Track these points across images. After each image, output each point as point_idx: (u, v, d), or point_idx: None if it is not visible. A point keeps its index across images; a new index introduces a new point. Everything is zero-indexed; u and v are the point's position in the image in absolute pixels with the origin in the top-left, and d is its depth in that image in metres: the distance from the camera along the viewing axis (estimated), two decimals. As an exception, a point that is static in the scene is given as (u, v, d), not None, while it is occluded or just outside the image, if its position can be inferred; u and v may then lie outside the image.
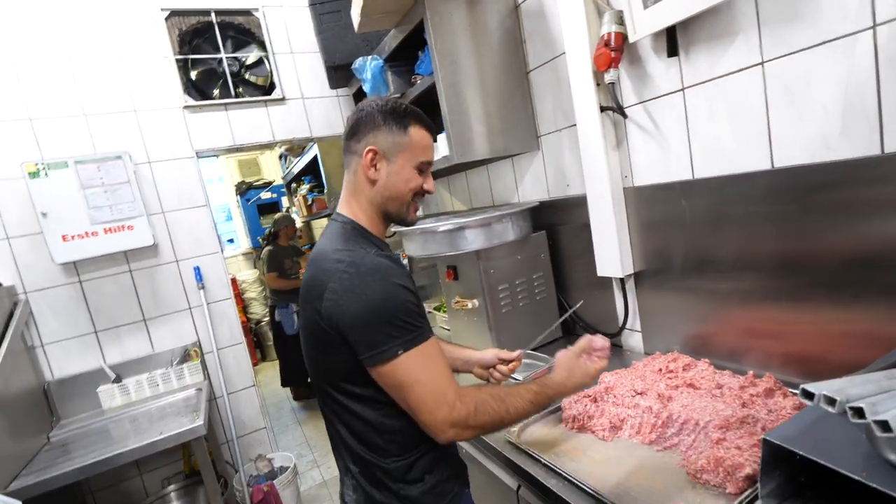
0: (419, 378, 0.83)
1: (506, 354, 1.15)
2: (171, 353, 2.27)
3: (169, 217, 2.28)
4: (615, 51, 1.21)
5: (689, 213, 1.20)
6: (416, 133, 0.95)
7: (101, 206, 2.03)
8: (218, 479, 2.16)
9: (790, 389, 1.00)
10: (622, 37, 1.21)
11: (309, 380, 1.08)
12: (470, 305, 1.63)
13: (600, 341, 1.04)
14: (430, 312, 2.40)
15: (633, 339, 1.49)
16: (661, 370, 1.17)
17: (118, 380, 2.12)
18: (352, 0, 1.72)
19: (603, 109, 1.33)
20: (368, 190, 0.95)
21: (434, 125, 0.99)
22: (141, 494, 2.28)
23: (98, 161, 2.04)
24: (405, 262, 3.02)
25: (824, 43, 0.89)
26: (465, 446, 1.32)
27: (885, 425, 0.48)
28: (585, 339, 1.05)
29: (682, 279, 1.27)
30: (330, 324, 0.84)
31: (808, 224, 0.97)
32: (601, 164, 1.35)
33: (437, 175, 2.27)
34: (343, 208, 0.99)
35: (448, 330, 1.95)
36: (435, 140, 1.00)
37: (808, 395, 0.55)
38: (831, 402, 0.53)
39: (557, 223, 1.68)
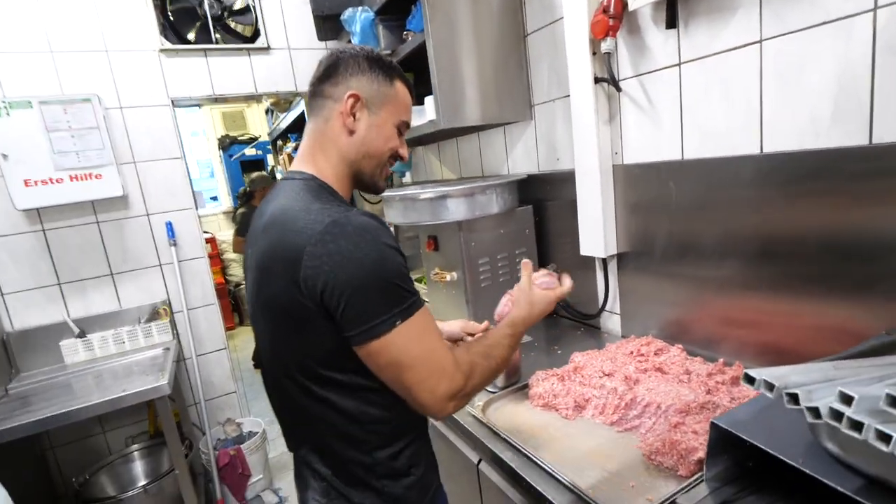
0: (418, 353, 0.77)
1: (472, 327, 1.15)
2: (138, 311, 2.29)
3: (140, 168, 2.26)
4: (614, 18, 1.20)
5: (675, 194, 1.22)
6: (402, 89, 0.92)
7: (67, 152, 2.01)
8: (183, 441, 2.22)
9: (756, 379, 1.04)
10: (622, 4, 1.20)
11: (261, 370, 0.95)
12: (449, 278, 1.65)
13: (542, 278, 1.05)
14: (411, 284, 2.43)
15: (612, 322, 1.53)
16: (632, 353, 1.21)
17: (82, 335, 2.15)
18: (342, -57, 1.67)
19: (597, 81, 1.32)
20: (343, 141, 0.88)
21: (411, 83, 0.96)
22: (104, 452, 2.34)
23: (65, 103, 2.00)
24: (392, 230, 3.04)
25: (824, 24, 0.89)
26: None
27: (815, 412, 0.51)
28: (527, 271, 1.03)
29: (664, 263, 1.29)
30: (311, 295, 0.74)
31: (790, 213, 0.99)
32: (592, 138, 1.36)
33: (426, 140, 2.27)
34: (304, 164, 0.89)
35: (427, 302, 1.99)
36: (415, 103, 0.99)
37: (750, 380, 0.58)
38: (770, 387, 0.56)
39: (545, 198, 1.69)
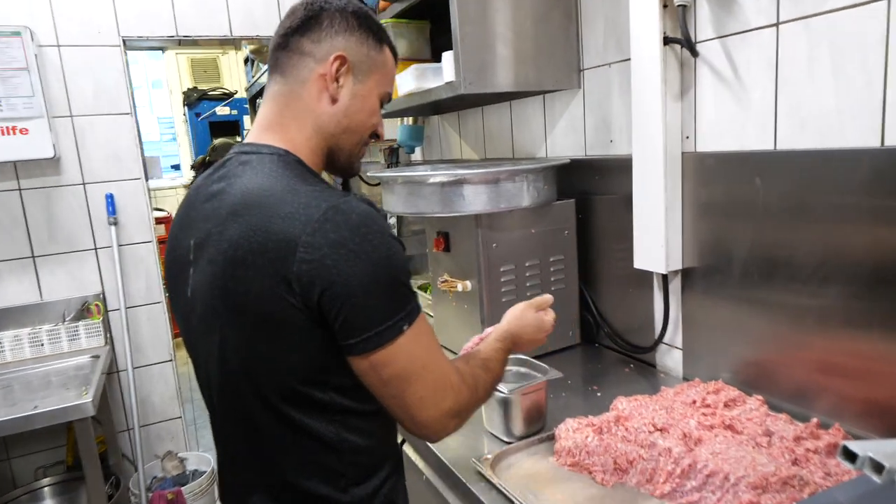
0: (425, 362, 0.83)
1: None
2: (64, 305, 2.32)
3: (78, 123, 2.30)
4: (695, -42, 1.17)
5: (763, 195, 1.19)
6: (390, 56, 0.99)
7: (-14, 97, 2.05)
8: (107, 478, 2.24)
9: (861, 448, 1.01)
10: (708, -62, 1.17)
11: (210, 396, 0.97)
12: (461, 287, 1.64)
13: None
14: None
15: (671, 358, 1.49)
16: (695, 402, 1.17)
17: (-8, 331, 2.19)
18: None
19: (667, 41, 1.30)
20: (323, 111, 0.92)
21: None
22: (7, 484, 2.36)
23: (-13, 35, 2.04)
24: (392, 221, 3.04)
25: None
26: (422, 470, 1.35)
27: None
28: (543, 298, 1.20)
29: (744, 285, 1.26)
30: (305, 294, 0.75)
31: (920, 229, 0.96)
32: (657, 116, 1.33)
33: (443, 108, 2.26)
34: (271, 134, 0.91)
35: (431, 317, 1.98)
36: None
37: (850, 456, 0.56)
38: (878, 468, 0.53)
39: (593, 191, 1.67)
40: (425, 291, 2.16)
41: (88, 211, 2.35)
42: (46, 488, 2.38)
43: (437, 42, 2.01)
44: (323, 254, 0.74)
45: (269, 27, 2.57)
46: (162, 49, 5.45)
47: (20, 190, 2.24)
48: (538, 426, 1.24)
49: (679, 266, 1.39)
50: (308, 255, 0.74)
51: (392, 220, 2.95)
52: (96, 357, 2.21)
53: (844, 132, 1.04)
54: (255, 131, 0.94)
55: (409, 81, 1.83)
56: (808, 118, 1.10)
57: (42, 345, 2.24)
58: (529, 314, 1.14)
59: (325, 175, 1.00)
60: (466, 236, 1.60)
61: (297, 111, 0.91)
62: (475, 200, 1.52)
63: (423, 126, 2.67)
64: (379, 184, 2.67)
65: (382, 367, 0.79)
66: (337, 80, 0.91)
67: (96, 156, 2.33)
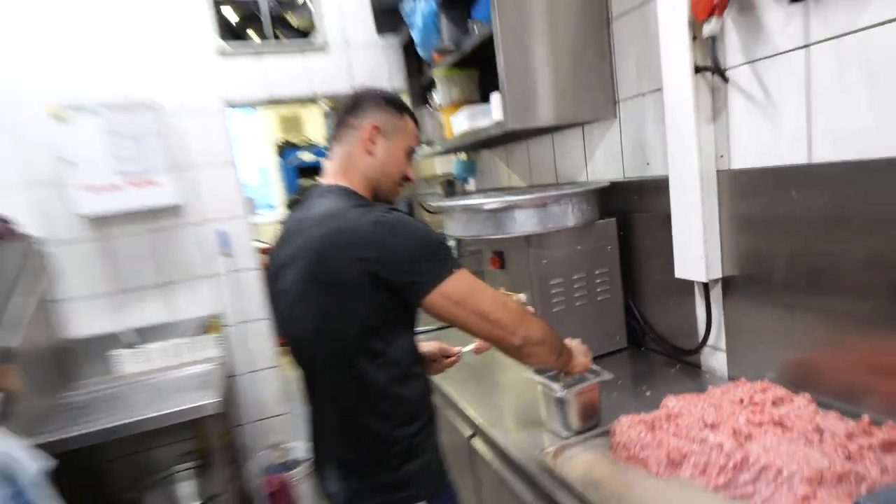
0: (481, 286, 1.03)
1: (446, 349, 1.35)
2: (190, 323, 2.42)
3: (194, 174, 2.41)
4: (721, -6, 1.09)
5: (801, 207, 1.08)
6: (410, 122, 1.19)
7: (126, 158, 2.17)
8: (232, 463, 2.30)
9: (918, 447, 0.89)
10: (732, -24, 1.09)
11: (305, 358, 1.15)
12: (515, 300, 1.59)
13: None
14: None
15: (716, 360, 1.39)
16: (742, 401, 1.07)
17: (135, 345, 2.30)
18: (404, -70, 1.68)
19: (698, 70, 1.22)
20: (364, 163, 1.13)
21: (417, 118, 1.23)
22: (153, 468, 2.47)
23: (126, 108, 2.17)
24: (452, 244, 3.02)
25: None
26: (490, 462, 1.30)
27: None
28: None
29: (786, 291, 1.15)
30: (376, 267, 0.96)
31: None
32: (690, 138, 1.25)
33: (492, 143, 2.23)
34: (338, 179, 1.13)
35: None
36: (418, 127, 1.23)
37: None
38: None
39: (632, 209, 1.59)
40: (485, 302, 2.11)
41: (205, 245, 2.45)
42: (184, 472, 2.47)
43: (486, 85, 1.99)
44: (383, 237, 0.97)
45: (344, 84, 2.62)
46: (254, 108, 5.69)
47: (153, 231, 2.36)
48: (593, 422, 1.18)
49: (719, 275, 1.29)
50: (372, 239, 0.97)
51: (452, 242, 2.94)
52: (218, 364, 2.28)
53: (883, 143, 0.94)
54: (325, 177, 1.16)
55: (462, 122, 1.81)
56: (844, 132, 1.00)
57: (175, 355, 2.34)
58: (579, 346, 1.22)
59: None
60: (519, 255, 1.55)
61: (349, 164, 1.14)
62: (525, 222, 1.47)
63: (475, 160, 2.64)
64: (439, 211, 2.67)
65: (453, 293, 0.99)
66: (373, 140, 1.12)
67: (209, 200, 2.43)
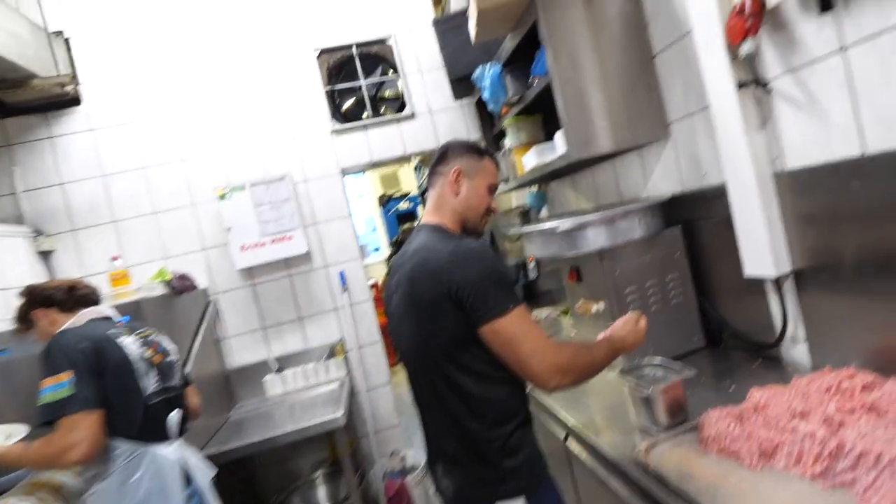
0: (528, 329, 0.99)
1: None
2: (320, 349, 2.61)
3: (319, 228, 2.65)
4: (752, 16, 1.07)
5: (864, 197, 0.99)
6: (489, 163, 1.23)
7: (269, 221, 2.46)
8: (356, 470, 2.40)
9: None
10: (759, 2, 1.06)
11: (411, 368, 1.19)
12: (595, 309, 1.56)
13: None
14: (556, 318, 2.35)
15: (797, 352, 1.27)
16: (830, 389, 0.97)
17: (280, 370, 2.52)
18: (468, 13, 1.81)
19: (741, 86, 1.18)
20: (453, 200, 1.18)
21: (497, 159, 1.30)
22: (295, 475, 2.63)
23: (267, 182, 2.48)
24: (532, 265, 3.02)
25: None
26: (585, 461, 1.27)
27: None
28: (636, 315, 1.20)
29: (861, 278, 1.04)
30: (450, 291, 0.99)
31: None
32: (742, 147, 1.19)
33: (559, 174, 2.24)
34: (432, 217, 1.20)
35: (574, 336, 1.90)
36: (498, 169, 1.28)
37: None
38: None
39: (694, 218, 1.52)
40: (566, 315, 2.08)
41: (329, 284, 2.65)
42: (319, 478, 2.60)
43: (549, 127, 2.03)
44: (457, 266, 1.01)
45: (430, 142, 2.79)
46: (363, 171, 6.16)
47: (290, 276, 2.62)
48: (681, 418, 1.11)
49: (787, 269, 1.20)
50: (449, 267, 1.01)
51: (532, 264, 2.94)
52: (342, 384, 2.43)
53: (940, 126, 0.85)
54: (424, 216, 1.23)
55: (531, 159, 1.86)
56: (893, 122, 0.92)
57: (309, 377, 2.52)
58: (631, 324, 1.19)
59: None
60: (594, 268, 1.54)
61: (440, 205, 1.20)
62: (597, 239, 1.47)
63: (545, 192, 2.66)
64: (519, 238, 2.69)
65: (500, 333, 0.98)
66: (458, 181, 1.19)
67: (330, 248, 2.65)
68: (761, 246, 1.21)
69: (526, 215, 2.91)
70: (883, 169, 0.95)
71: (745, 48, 1.10)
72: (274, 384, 2.51)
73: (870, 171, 0.97)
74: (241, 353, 2.57)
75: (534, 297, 3.01)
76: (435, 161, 1.23)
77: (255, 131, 2.60)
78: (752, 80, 1.15)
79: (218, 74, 2.58)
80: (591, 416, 1.35)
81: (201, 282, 2.49)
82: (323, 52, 2.65)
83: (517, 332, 0.98)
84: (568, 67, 1.53)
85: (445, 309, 1.01)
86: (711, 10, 1.17)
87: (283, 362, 2.57)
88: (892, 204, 0.94)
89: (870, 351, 1.06)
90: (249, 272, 2.56)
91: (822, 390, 0.99)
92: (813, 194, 1.11)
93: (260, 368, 2.55)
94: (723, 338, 1.52)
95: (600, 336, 1.20)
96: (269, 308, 2.59)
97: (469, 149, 1.22)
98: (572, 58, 1.54)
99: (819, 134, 1.07)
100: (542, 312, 2.50)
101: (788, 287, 1.23)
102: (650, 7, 1.53)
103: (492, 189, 1.23)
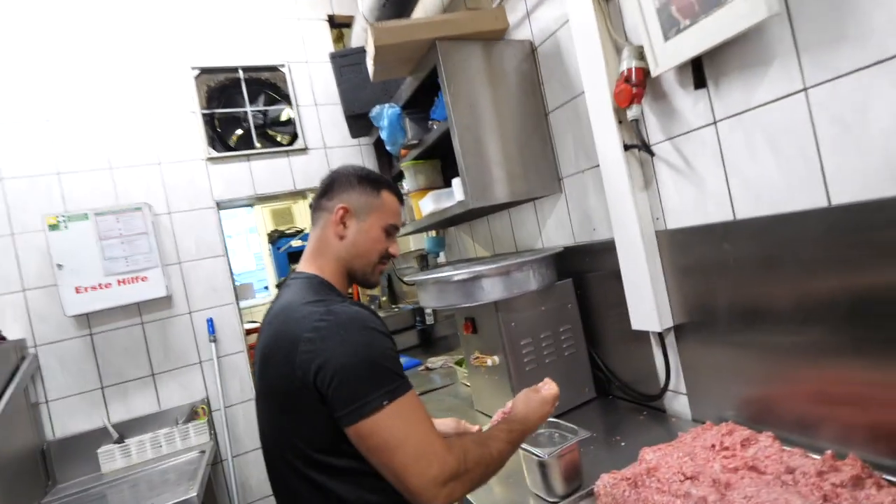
0: (406, 434, 0.76)
1: (465, 427, 1.15)
2: (177, 411, 2.20)
3: (185, 267, 2.29)
4: (637, 86, 1.14)
5: (733, 257, 1.07)
6: (388, 198, 1.04)
7: (117, 258, 2.06)
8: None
9: (884, 476, 0.82)
10: (643, 72, 1.14)
11: (268, 458, 0.95)
12: (490, 362, 1.50)
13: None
14: (451, 367, 2.26)
15: (678, 403, 1.31)
16: (714, 446, 0.99)
17: (120, 440, 2.05)
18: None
19: (627, 148, 1.24)
20: (336, 245, 0.99)
21: (400, 192, 1.11)
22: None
23: (117, 213, 2.08)
24: (429, 310, 2.93)
25: (879, 63, 0.79)
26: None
27: None
28: (540, 385, 1.06)
29: (732, 332, 1.11)
30: (306, 379, 0.78)
31: (882, 267, 0.83)
32: (628, 206, 1.25)
33: (457, 221, 2.22)
34: (306, 266, 1.00)
35: (468, 386, 1.82)
36: (402, 204, 1.10)
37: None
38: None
39: (585, 270, 1.56)
40: (461, 366, 2.01)
41: (194, 333, 2.28)
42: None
43: (447, 172, 2.01)
44: (316, 345, 0.78)
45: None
46: (251, 205, 5.68)
47: (142, 323, 2.20)
48: (577, 483, 1.06)
49: (670, 323, 1.25)
50: (306, 346, 0.79)
51: (429, 311, 2.85)
52: (202, 452, 2.05)
53: (794, 198, 0.95)
54: (300, 262, 1.02)
55: (428, 204, 1.80)
56: (759, 191, 1.01)
57: (161, 446, 2.09)
58: (532, 396, 1.01)
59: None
60: (489, 319, 1.49)
61: (320, 249, 1.01)
62: (493, 290, 1.42)
63: (443, 237, 2.63)
64: (413, 284, 2.59)
65: (367, 438, 0.76)
66: (344, 223, 0.99)
67: (198, 290, 2.30)
68: (646, 301, 1.25)
69: (424, 260, 2.84)
70: (750, 233, 1.03)
71: (632, 113, 1.17)
72: (112, 457, 2.03)
73: (739, 234, 1.05)
74: (68, 419, 2.06)
75: (430, 343, 2.92)
76: (319, 192, 1.03)
77: (106, 151, 2.21)
78: (636, 144, 1.21)
79: (61, 74, 2.17)
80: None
81: (14, 332, 1.97)
82: (203, 71, 2.39)
83: (391, 437, 0.75)
84: (466, 115, 1.52)
85: (303, 402, 0.78)
86: (601, 76, 1.23)
87: (129, 428, 2.11)
88: (759, 264, 1.02)
89: (742, 403, 1.12)
90: (87, 319, 2.10)
91: (706, 447, 1.01)
92: (690, 253, 1.18)
93: (95, 438, 2.06)
94: (611, 389, 1.55)
95: (496, 416, 1.07)
96: (111, 363, 2.13)
97: (362, 180, 1.01)
98: (471, 106, 1.54)
99: (695, 197, 1.15)
100: (437, 361, 2.41)
101: (670, 341, 1.28)
102: (545, 67, 1.60)
103: (390, 230, 1.03)
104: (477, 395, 1.68)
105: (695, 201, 1.15)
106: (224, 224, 2.42)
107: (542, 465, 1.04)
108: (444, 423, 1.15)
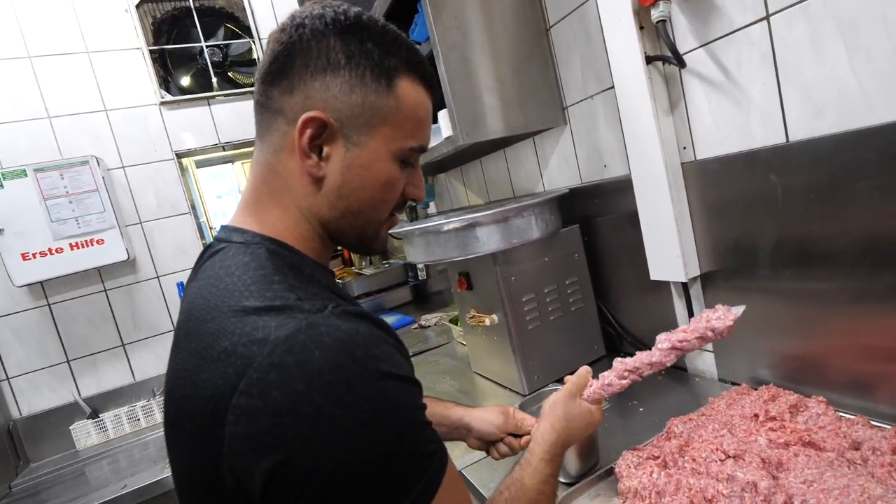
0: None
1: (517, 424, 0.82)
2: (154, 381, 2.05)
3: (147, 227, 2.07)
4: (668, -29, 0.89)
5: (781, 190, 0.88)
6: (410, 91, 0.53)
7: (66, 219, 1.83)
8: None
9: (976, 452, 0.67)
10: (677, -48, 0.89)
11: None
12: (488, 322, 1.33)
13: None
14: (445, 324, 2.11)
15: (702, 361, 1.16)
16: (756, 416, 0.84)
17: (94, 415, 1.92)
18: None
19: (650, 60, 1.01)
20: (308, 192, 0.53)
21: (429, 70, 0.59)
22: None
23: (61, 167, 1.83)
24: (422, 267, 2.75)
25: None
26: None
27: None
28: (576, 376, 0.79)
29: (774, 280, 0.94)
30: (243, 477, 0.40)
31: None
32: (650, 133, 1.03)
33: (447, 165, 1.99)
34: (249, 217, 0.54)
35: (465, 345, 1.67)
36: (433, 95, 0.60)
37: None
38: None
39: (594, 214, 1.36)
40: (455, 324, 1.85)
41: (164, 299, 2.10)
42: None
43: (433, 109, 1.76)
44: (264, 423, 0.38)
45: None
46: (231, 161, 5.32)
47: (105, 290, 2.01)
48: (593, 460, 0.91)
49: (697, 272, 1.07)
50: (243, 421, 0.39)
51: (421, 266, 2.67)
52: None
53: (874, 109, 0.74)
54: (236, 211, 0.56)
55: (412, 145, 1.56)
56: (824, 103, 0.79)
57: (139, 419, 1.97)
58: (574, 409, 0.73)
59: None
60: (486, 273, 1.30)
61: (275, 189, 0.53)
62: (489, 240, 1.22)
63: (433, 184, 2.40)
64: (399, 238, 2.40)
65: None
66: (318, 152, 0.51)
67: (164, 252, 2.09)
68: (669, 247, 1.06)
69: (413, 210, 2.63)
70: (809, 158, 0.82)
71: (658, 11, 0.93)
72: (87, 433, 1.91)
73: (793, 161, 0.85)
74: (33, 396, 1.91)
75: (424, 299, 2.76)
76: (264, 70, 0.53)
77: (45, 98, 1.92)
78: (661, 55, 0.98)
79: (-19, 15, 1.85)
80: (490, 463, 1.11)
81: (-40, 304, 1.78)
82: (143, 0, 2.06)
83: None
84: (452, 30, 1.27)
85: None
86: (618, -35, 0.97)
87: (101, 403, 1.97)
88: (818, 197, 0.82)
89: (781, 360, 0.96)
90: (42, 288, 1.90)
91: (747, 416, 0.85)
92: (725, 188, 0.98)
93: (66, 414, 1.92)
94: (623, 346, 1.39)
95: (531, 426, 0.79)
96: (75, 334, 1.96)
97: (357, 49, 0.50)
98: (456, 21, 1.28)
99: (736, 118, 0.93)
100: (431, 318, 2.26)
101: (696, 291, 1.11)
102: (543, -30, 1.32)
103: (410, 156, 0.57)
104: (474, 357, 1.53)
105: (733, 123, 0.94)
106: (210, 183, 2.18)
107: (553, 443, 0.89)
108: (485, 416, 0.83)
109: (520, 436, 0.83)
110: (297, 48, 0.50)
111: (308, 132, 0.50)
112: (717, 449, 0.77)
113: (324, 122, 0.50)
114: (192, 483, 0.47)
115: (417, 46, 0.55)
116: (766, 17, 0.84)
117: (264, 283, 0.46)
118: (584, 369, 0.80)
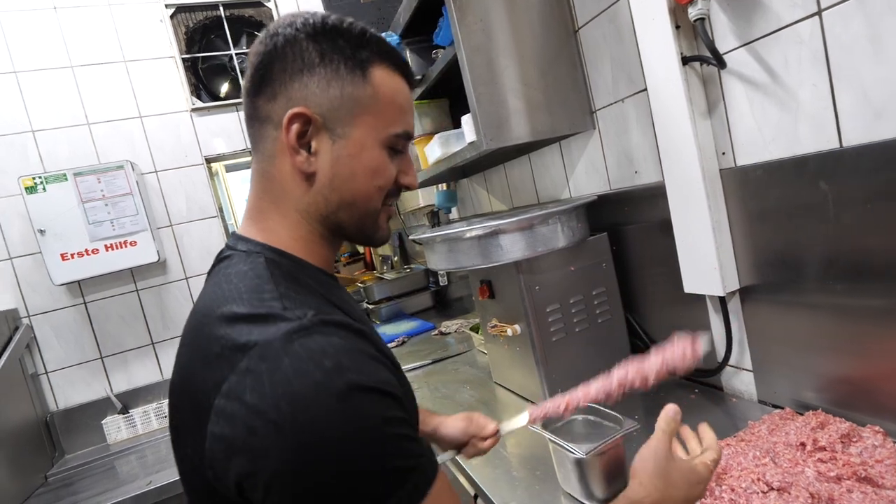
0: None
1: (478, 427, 0.84)
2: (182, 380, 2.08)
3: (177, 230, 2.10)
4: (709, -34, 0.83)
5: (833, 198, 0.80)
6: (385, 79, 0.54)
7: (102, 221, 1.88)
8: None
9: None
10: (719, -55, 0.83)
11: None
12: (510, 332, 1.28)
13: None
14: (466, 332, 2.07)
15: (740, 381, 1.08)
16: (803, 444, 0.76)
17: (125, 410, 1.96)
18: (356, -38, 1.43)
19: (686, 61, 0.95)
20: (298, 189, 0.54)
21: (404, 60, 0.58)
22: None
23: (98, 172, 1.88)
24: (443, 273, 2.72)
25: None
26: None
27: None
28: (666, 421, 0.64)
29: (823, 294, 0.85)
30: (220, 477, 0.41)
31: None
32: (686, 137, 0.97)
33: (470, 171, 1.95)
34: (250, 225, 0.56)
35: (485, 354, 1.62)
36: (412, 88, 0.60)
37: None
38: None
39: (623, 222, 1.30)
40: (476, 332, 1.80)
41: (192, 300, 2.12)
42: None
43: (456, 113, 1.72)
44: (235, 427, 0.39)
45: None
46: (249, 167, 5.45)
47: (137, 290, 2.05)
48: (620, 485, 0.84)
49: (736, 286, 0.99)
50: (219, 425, 0.40)
51: (442, 273, 2.63)
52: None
53: (944, 110, 0.66)
54: (242, 220, 0.59)
55: (435, 150, 1.53)
56: (884, 105, 0.72)
57: (166, 416, 1.98)
58: (673, 469, 0.60)
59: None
60: (509, 282, 1.25)
61: (273, 195, 0.55)
62: (513, 248, 1.17)
63: (455, 190, 2.36)
64: (421, 244, 2.37)
65: None
66: (306, 147, 0.52)
67: (193, 254, 2.13)
68: (706, 259, 0.99)
69: (435, 215, 2.59)
70: (866, 165, 0.74)
71: (696, 10, 0.87)
72: (117, 427, 1.95)
73: (847, 168, 0.77)
74: (70, 390, 1.96)
75: (445, 305, 2.72)
76: (249, 82, 0.54)
77: (84, 105, 1.98)
78: (701, 56, 0.92)
79: (29, 25, 1.92)
80: (506, 471, 1.06)
81: (5, 301, 1.84)
82: (178, 9, 2.10)
83: None
84: (477, 32, 1.23)
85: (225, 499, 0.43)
86: (653, -40, 0.92)
87: (131, 399, 2.01)
88: (876, 208, 0.75)
89: (829, 383, 0.88)
90: (79, 287, 1.95)
91: (792, 444, 0.78)
92: (767, 196, 0.90)
93: (99, 409, 1.97)
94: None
95: (493, 430, 0.81)
96: (109, 332, 2.00)
97: (328, 48, 0.52)
98: (482, 25, 1.24)
99: (781, 123, 0.86)
100: (452, 325, 2.21)
101: (734, 307, 1.03)
102: (572, -30, 1.27)
103: (397, 142, 0.56)
104: (495, 367, 1.48)
105: (779, 127, 0.87)
106: (240, 187, 2.21)
107: (579, 464, 0.84)
108: (453, 423, 0.86)
109: (484, 437, 0.84)
110: (274, 55, 0.52)
111: (294, 128, 0.52)
112: (758, 479, 0.70)
113: (307, 117, 0.52)
114: (193, 485, 0.48)
115: (381, 36, 0.56)
116: (818, 13, 0.77)
117: (256, 291, 0.47)
118: (673, 409, 0.65)
